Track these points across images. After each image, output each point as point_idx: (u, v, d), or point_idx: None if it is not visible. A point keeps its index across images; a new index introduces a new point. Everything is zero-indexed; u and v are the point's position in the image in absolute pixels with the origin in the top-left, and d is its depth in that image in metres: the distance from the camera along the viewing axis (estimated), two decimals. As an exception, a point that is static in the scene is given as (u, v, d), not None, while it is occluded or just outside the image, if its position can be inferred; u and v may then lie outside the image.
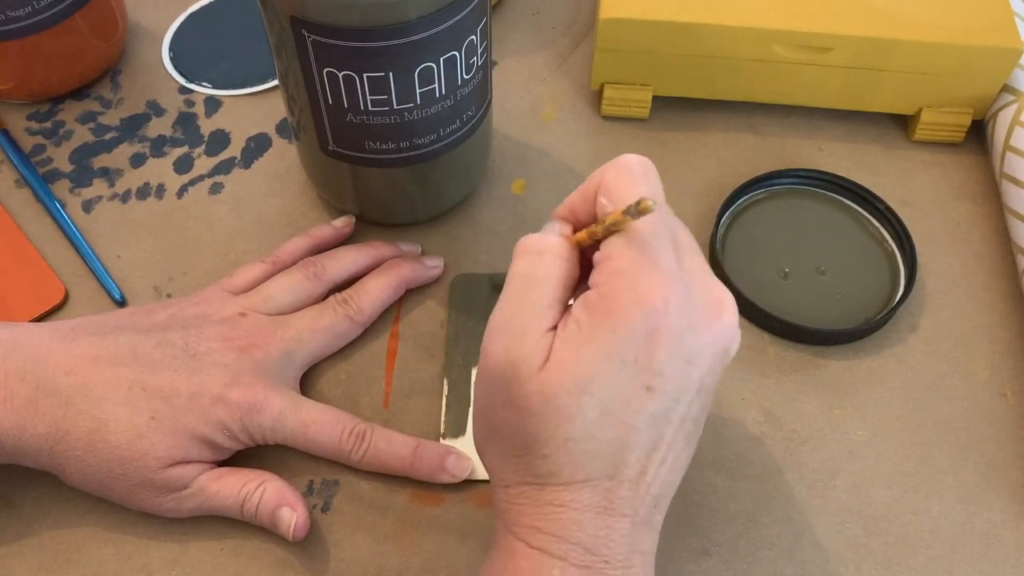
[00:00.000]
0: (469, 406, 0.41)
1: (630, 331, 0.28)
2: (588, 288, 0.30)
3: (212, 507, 0.37)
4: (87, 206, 0.48)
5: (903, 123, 0.52)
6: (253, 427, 0.37)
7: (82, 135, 0.52)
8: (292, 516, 0.36)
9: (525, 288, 0.30)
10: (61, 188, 0.49)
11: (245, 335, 0.39)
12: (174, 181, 0.50)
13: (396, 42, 0.36)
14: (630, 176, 0.31)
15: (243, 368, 0.38)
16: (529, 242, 0.31)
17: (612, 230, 0.30)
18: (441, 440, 0.40)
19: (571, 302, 0.31)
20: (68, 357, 0.36)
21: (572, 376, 0.28)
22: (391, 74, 0.38)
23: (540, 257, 0.31)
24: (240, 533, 0.38)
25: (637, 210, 0.28)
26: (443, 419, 0.41)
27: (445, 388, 0.42)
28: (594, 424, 0.28)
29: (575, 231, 0.32)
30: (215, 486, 0.37)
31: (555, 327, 0.29)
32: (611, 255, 0.29)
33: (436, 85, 0.39)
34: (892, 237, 0.46)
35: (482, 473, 0.39)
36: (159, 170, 0.50)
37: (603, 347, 0.28)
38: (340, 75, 0.38)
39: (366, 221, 0.47)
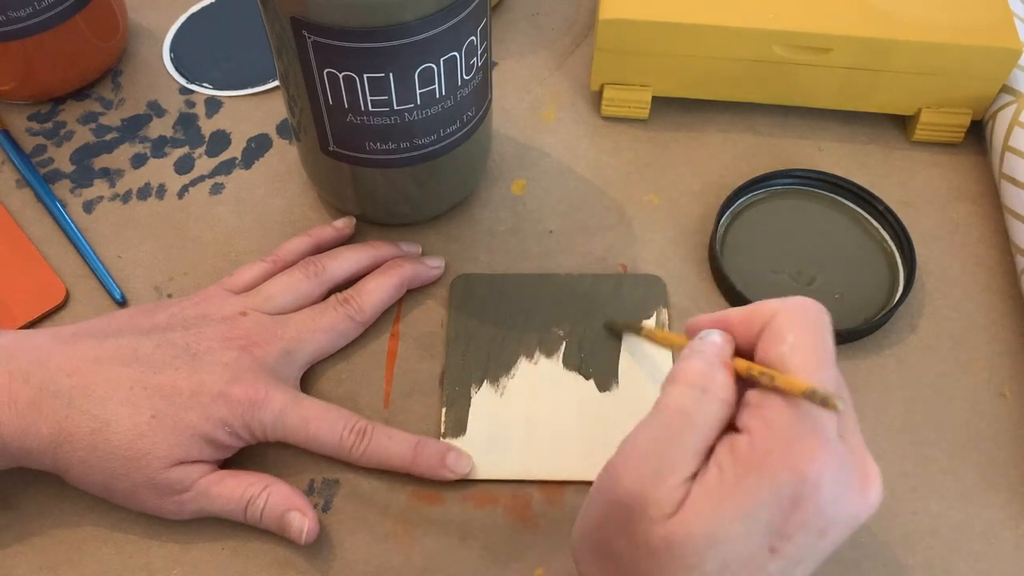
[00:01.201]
0: (469, 406, 0.41)
1: (775, 494, 0.26)
2: (736, 430, 0.28)
3: (214, 510, 0.37)
4: (88, 206, 0.49)
5: (902, 123, 0.52)
6: (254, 423, 0.37)
7: (83, 135, 0.52)
8: (303, 520, 0.36)
9: (679, 426, 0.28)
10: (62, 188, 0.49)
11: (245, 334, 0.39)
12: (175, 181, 0.50)
13: (396, 43, 0.36)
14: (807, 327, 0.29)
15: (243, 366, 0.38)
16: (694, 372, 0.29)
17: (780, 389, 0.27)
18: (441, 439, 0.40)
19: None
20: (70, 359, 0.36)
21: (704, 530, 0.27)
22: (391, 75, 0.38)
23: (704, 396, 0.28)
24: (241, 533, 0.38)
25: (822, 402, 0.26)
26: (443, 419, 0.41)
27: (445, 388, 0.42)
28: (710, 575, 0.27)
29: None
30: (217, 489, 0.37)
31: (696, 472, 0.28)
32: (771, 404, 0.27)
33: (436, 86, 0.39)
34: (891, 237, 0.46)
35: (482, 472, 0.39)
36: (160, 170, 0.50)
37: (742, 505, 0.27)
38: (340, 76, 0.38)
39: (366, 221, 0.47)
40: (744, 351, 0.30)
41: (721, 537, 0.27)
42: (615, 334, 0.43)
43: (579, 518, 0.31)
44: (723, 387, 0.29)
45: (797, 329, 0.28)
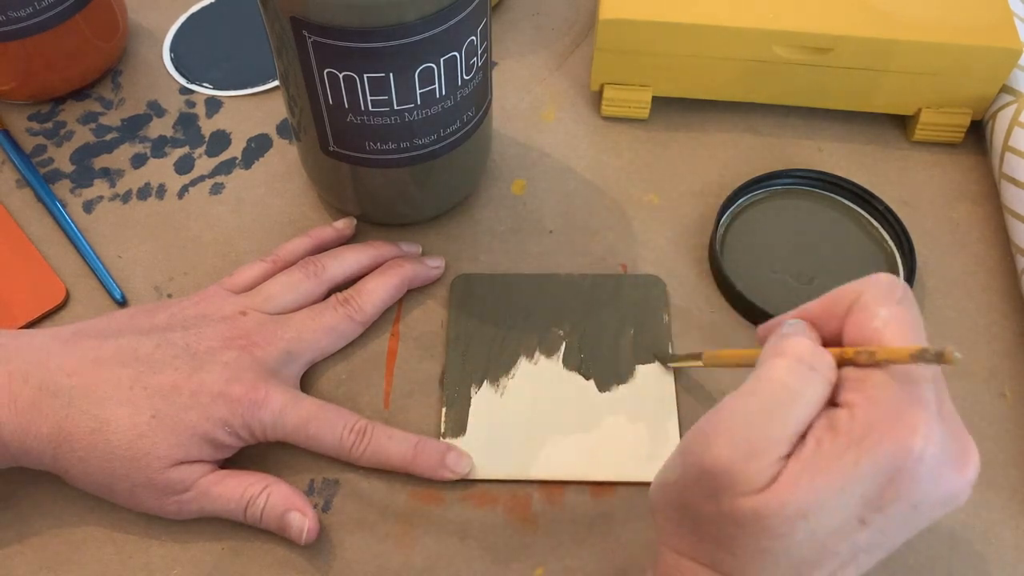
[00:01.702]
0: (469, 406, 0.41)
1: (875, 467, 0.26)
2: (834, 405, 0.28)
3: (215, 510, 0.37)
4: (88, 206, 0.49)
5: (902, 123, 0.52)
6: (254, 423, 0.37)
7: (83, 135, 0.52)
8: (303, 520, 0.36)
9: (783, 402, 0.27)
10: (62, 188, 0.49)
11: (245, 334, 0.39)
12: (175, 181, 0.50)
13: (396, 43, 0.36)
14: (903, 306, 0.28)
15: (244, 366, 0.38)
16: (802, 348, 0.28)
17: (880, 361, 0.27)
18: (441, 439, 0.40)
19: None
20: (70, 359, 0.36)
21: (796, 502, 0.26)
22: (391, 75, 0.38)
23: (811, 373, 0.28)
24: (241, 533, 0.38)
25: (936, 358, 0.25)
26: (443, 419, 0.41)
27: (445, 388, 0.42)
28: (797, 544, 0.27)
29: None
30: (217, 489, 0.37)
31: (790, 452, 0.27)
32: (871, 379, 0.27)
33: (436, 86, 0.39)
34: (891, 237, 0.46)
35: (482, 472, 0.39)
36: (160, 170, 0.50)
37: (839, 478, 0.26)
38: (340, 75, 0.38)
39: (367, 221, 0.47)
40: (827, 341, 0.30)
41: (815, 510, 0.26)
42: (666, 366, 0.42)
43: (663, 470, 0.31)
44: (830, 367, 0.28)
45: (887, 303, 0.28)
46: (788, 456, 0.27)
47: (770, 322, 0.32)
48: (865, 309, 0.28)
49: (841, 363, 0.28)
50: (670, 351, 0.43)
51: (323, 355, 0.42)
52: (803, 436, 0.27)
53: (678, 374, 0.42)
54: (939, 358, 0.25)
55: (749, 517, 0.27)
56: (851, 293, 0.29)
